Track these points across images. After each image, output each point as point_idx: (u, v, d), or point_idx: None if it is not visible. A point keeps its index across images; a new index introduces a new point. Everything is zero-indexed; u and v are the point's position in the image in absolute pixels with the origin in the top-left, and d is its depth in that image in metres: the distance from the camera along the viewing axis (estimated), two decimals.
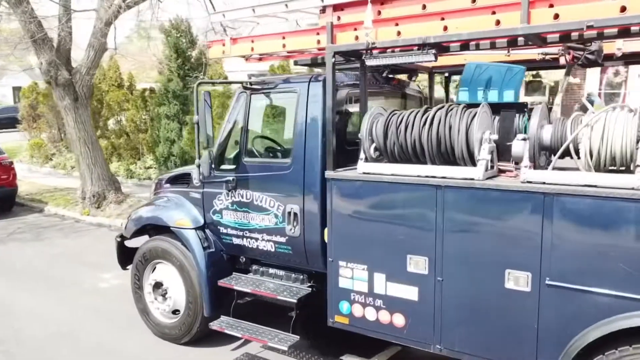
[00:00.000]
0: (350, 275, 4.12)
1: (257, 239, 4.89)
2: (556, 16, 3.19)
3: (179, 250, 5.26)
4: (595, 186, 3.09)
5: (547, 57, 4.59)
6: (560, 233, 3.20)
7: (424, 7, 3.68)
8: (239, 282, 4.97)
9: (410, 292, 3.84)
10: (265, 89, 4.76)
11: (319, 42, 4.19)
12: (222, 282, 5.00)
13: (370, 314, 4.04)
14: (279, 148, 5.14)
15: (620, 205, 3.01)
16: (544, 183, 3.26)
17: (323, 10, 4.14)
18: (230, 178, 4.87)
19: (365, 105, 4.29)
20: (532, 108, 3.70)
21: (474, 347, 3.64)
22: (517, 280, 3.38)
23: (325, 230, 4.27)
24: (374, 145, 3.99)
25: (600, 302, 3.12)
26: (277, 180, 4.67)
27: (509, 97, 4.06)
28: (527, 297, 3.36)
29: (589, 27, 3.02)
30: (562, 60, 4.34)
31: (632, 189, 2.99)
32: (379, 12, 3.83)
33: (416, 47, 3.72)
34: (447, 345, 3.74)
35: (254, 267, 5.13)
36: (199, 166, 4.71)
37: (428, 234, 3.69)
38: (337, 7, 4.06)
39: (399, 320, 3.91)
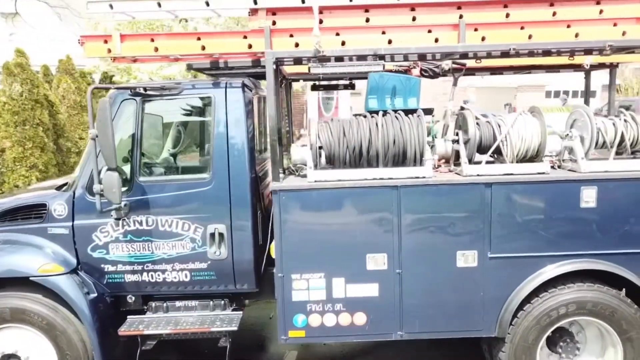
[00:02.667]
0: (306, 287, 4.01)
1: (164, 271, 4.18)
2: (483, 39, 3.91)
3: (45, 306, 4.02)
4: (518, 174, 3.94)
5: (401, 68, 5.40)
6: (497, 214, 3.94)
7: (368, 20, 3.90)
8: (149, 326, 4.13)
9: (370, 289, 4.02)
10: (166, 96, 4.10)
11: (250, 46, 3.89)
12: (126, 331, 4.08)
13: (330, 320, 4.04)
14: (188, 162, 4.48)
15: (536, 186, 3.94)
16: (481, 175, 3.95)
17: (254, 12, 3.87)
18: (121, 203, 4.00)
19: (289, 113, 4.22)
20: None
21: (432, 326, 4.09)
22: (467, 259, 3.99)
23: (271, 246, 4.03)
24: (323, 152, 3.99)
25: (527, 263, 4.00)
26: (192, 198, 4.11)
27: (412, 103, 4.63)
28: (474, 271, 4.00)
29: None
30: (414, 72, 5.20)
31: (543, 173, 3.96)
32: (321, 21, 3.85)
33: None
34: (408, 330, 4.08)
35: (153, 304, 4.35)
36: (100, 193, 3.71)
37: (386, 232, 3.95)
38: (270, 11, 3.87)
39: (360, 318, 4.04)
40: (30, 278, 3.97)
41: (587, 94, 5.89)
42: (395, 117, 4.04)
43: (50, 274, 3.99)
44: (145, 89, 4.03)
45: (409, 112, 4.37)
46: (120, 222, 4.07)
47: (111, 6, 3.81)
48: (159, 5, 3.82)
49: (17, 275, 3.98)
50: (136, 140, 4.10)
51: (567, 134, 4.14)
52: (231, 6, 3.90)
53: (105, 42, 3.88)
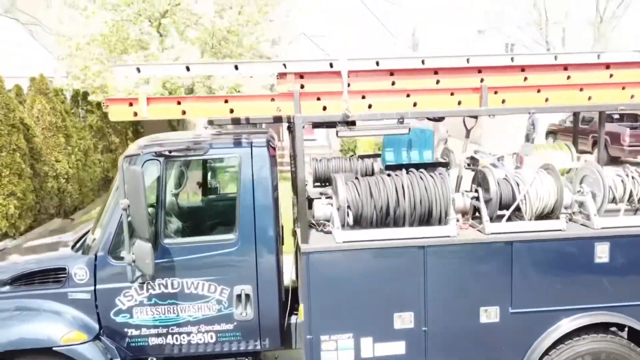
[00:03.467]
0: (335, 347, 4.05)
1: (189, 333, 4.14)
2: (503, 101, 4.06)
3: None
4: (537, 231, 4.11)
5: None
6: (517, 270, 4.09)
7: (393, 83, 3.98)
8: None
9: (397, 348, 4.10)
10: (190, 157, 4.06)
11: (279, 109, 3.90)
12: None
13: None
14: (213, 223, 4.43)
15: (554, 243, 4.11)
16: (502, 233, 4.09)
17: (282, 76, 3.89)
18: None
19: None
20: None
21: None
22: (489, 315, 4.12)
23: (301, 308, 4.05)
24: (351, 212, 4.04)
25: (545, 317, 4.17)
26: (218, 260, 4.08)
27: (428, 156, 4.75)
28: (496, 326, 4.14)
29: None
30: None
31: (560, 230, 4.14)
32: (348, 84, 3.90)
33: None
34: None
35: None
36: (132, 264, 3.64)
37: (413, 291, 4.04)
38: (298, 75, 3.89)
39: None
40: (54, 348, 3.85)
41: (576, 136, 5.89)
42: (420, 177, 4.12)
43: (74, 342, 3.88)
44: (170, 151, 3.98)
45: (425, 165, 4.48)
46: (145, 285, 4.01)
47: (138, 70, 3.75)
48: (188, 69, 3.78)
49: (40, 345, 3.85)
50: (160, 201, 4.04)
51: (579, 190, 4.34)
52: (260, 70, 3.89)
53: (131, 104, 3.80)
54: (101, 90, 12.98)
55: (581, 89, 4.12)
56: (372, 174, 5.91)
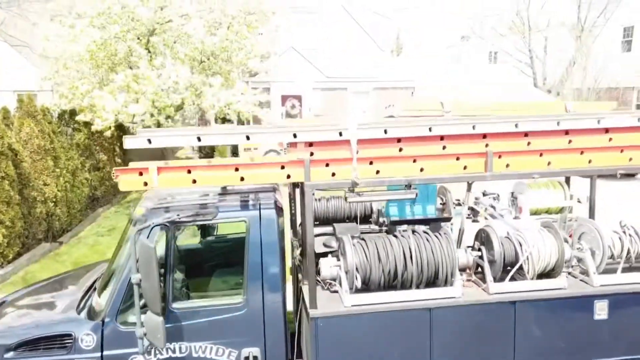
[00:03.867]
0: None
1: None
2: (507, 165, 4.15)
3: None
4: (539, 290, 4.22)
5: None
6: (521, 328, 4.20)
7: (401, 149, 4.04)
8: None
9: None
10: (199, 222, 4.07)
11: (289, 176, 3.93)
12: None
13: None
14: (221, 286, 4.44)
15: (555, 302, 4.22)
16: (506, 293, 4.19)
17: (292, 145, 3.92)
18: None
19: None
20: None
21: None
22: None
23: None
24: (359, 276, 4.09)
25: None
26: (226, 324, 4.10)
27: (431, 210, 4.83)
28: None
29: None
30: None
31: (561, 288, 4.25)
32: (357, 151, 3.95)
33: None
34: None
35: None
36: (142, 338, 3.64)
37: (420, 351, 4.11)
38: (308, 143, 3.93)
39: None
40: None
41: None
42: (426, 238, 4.19)
43: None
44: (179, 215, 3.99)
45: (429, 221, 4.55)
46: (153, 350, 4.01)
47: (149, 140, 3.75)
48: (199, 139, 3.79)
49: None
50: (169, 266, 4.05)
51: (578, 247, 4.45)
52: (272, 139, 3.92)
53: (141, 174, 3.80)
54: (89, 109, 12.81)
55: (582, 152, 4.24)
56: (372, 212, 6.00)
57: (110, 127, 12.67)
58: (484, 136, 4.11)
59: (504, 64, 33.39)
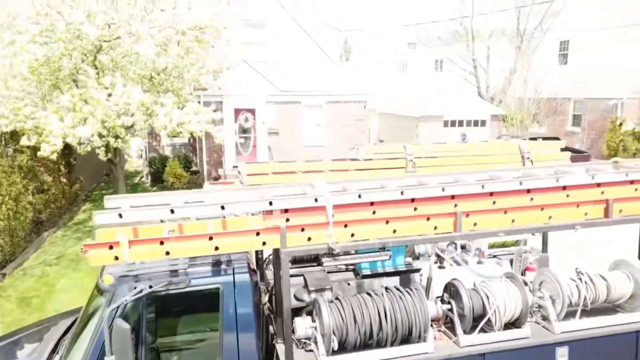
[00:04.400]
0: None
1: None
2: (475, 224, 4.32)
3: None
4: (506, 340, 4.42)
5: None
6: None
7: (374, 212, 4.12)
8: None
9: None
10: (172, 290, 3.99)
11: (264, 243, 3.92)
12: None
13: None
14: (195, 355, 4.35)
15: (521, 351, 4.44)
16: (476, 345, 4.36)
17: (268, 212, 3.91)
18: None
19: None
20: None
21: None
22: None
23: None
24: (335, 338, 4.13)
25: None
26: None
27: (400, 262, 4.94)
28: None
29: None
30: None
31: (526, 337, 4.47)
32: (332, 215, 4.00)
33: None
34: None
35: None
36: None
37: None
38: (284, 210, 3.94)
39: None
40: None
41: None
42: (399, 297, 4.29)
43: None
44: (150, 286, 3.89)
45: (399, 272, 4.67)
46: None
47: (120, 215, 3.64)
48: (172, 212, 3.72)
49: None
50: (141, 338, 3.94)
51: (540, 296, 4.69)
52: (247, 208, 3.90)
53: (111, 248, 3.68)
54: (34, 131, 12.17)
55: (542, 209, 4.47)
56: None
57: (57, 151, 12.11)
58: (453, 197, 4.25)
59: (449, 73, 34.48)
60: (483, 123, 26.20)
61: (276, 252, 4.07)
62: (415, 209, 4.20)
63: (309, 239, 4.02)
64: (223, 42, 15.99)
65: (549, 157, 6.63)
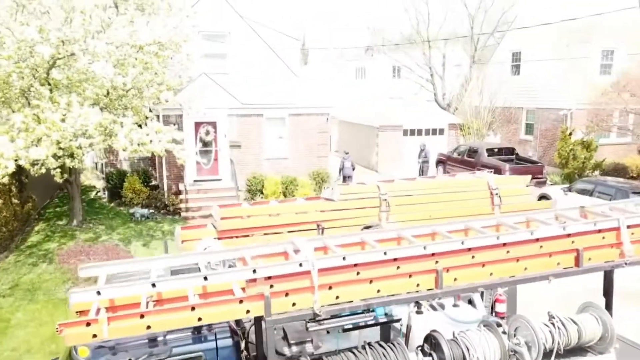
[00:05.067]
0: None
1: None
2: (455, 279, 4.39)
3: None
4: None
5: None
6: None
7: (358, 273, 4.11)
8: None
9: None
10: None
11: (248, 311, 3.85)
12: None
13: None
14: None
15: None
16: None
17: (252, 280, 3.83)
18: None
19: None
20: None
21: None
22: None
23: None
24: None
25: None
26: None
27: (380, 312, 4.95)
28: None
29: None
30: None
31: None
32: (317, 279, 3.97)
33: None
34: None
35: None
36: None
37: None
38: (267, 277, 3.87)
39: None
40: None
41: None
42: (383, 354, 4.30)
43: None
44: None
45: (380, 324, 4.70)
46: None
47: (99, 292, 3.49)
48: (154, 285, 3.59)
49: None
50: None
51: (516, 343, 4.82)
52: (230, 278, 3.81)
53: (88, 325, 3.51)
54: None
55: (517, 260, 4.60)
56: None
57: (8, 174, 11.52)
58: (433, 254, 4.30)
59: (407, 80, 35.05)
60: (441, 132, 26.77)
61: (259, 320, 4.00)
62: (398, 267, 4.23)
63: (294, 304, 3.98)
64: (183, 55, 15.62)
65: (515, 193, 6.84)
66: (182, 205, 17.50)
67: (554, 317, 5.01)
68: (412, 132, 26.31)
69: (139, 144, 12.84)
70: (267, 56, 19.69)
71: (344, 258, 4.02)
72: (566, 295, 7.42)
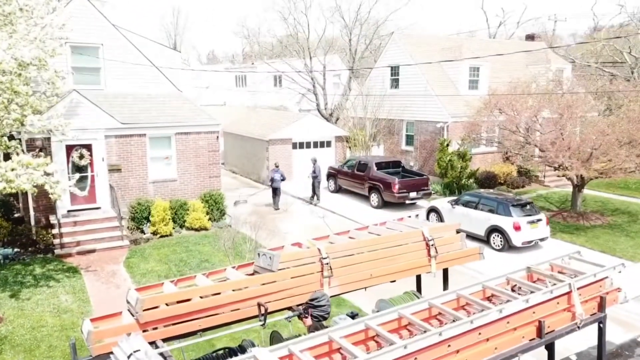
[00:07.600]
0: None
1: None
2: None
3: None
4: None
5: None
6: None
7: None
8: None
9: None
10: None
11: None
12: None
13: None
14: None
15: None
16: None
17: None
18: None
19: None
20: None
21: None
22: None
23: None
24: None
25: None
26: None
27: None
28: None
29: None
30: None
31: None
32: None
33: None
34: None
35: None
36: None
37: None
38: None
39: None
40: None
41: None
42: None
43: None
44: None
45: None
46: None
47: None
48: None
49: None
50: None
51: None
52: None
53: None
54: None
55: (487, 340, 4.41)
56: None
57: None
58: (413, 353, 3.93)
59: (289, 90, 34.94)
60: (329, 144, 27.03)
61: None
62: None
63: None
64: (51, 72, 13.64)
65: (447, 242, 6.78)
66: (56, 241, 15.29)
67: None
68: (302, 145, 26.22)
69: (6, 181, 10.88)
70: (147, 70, 18.08)
71: None
72: None
